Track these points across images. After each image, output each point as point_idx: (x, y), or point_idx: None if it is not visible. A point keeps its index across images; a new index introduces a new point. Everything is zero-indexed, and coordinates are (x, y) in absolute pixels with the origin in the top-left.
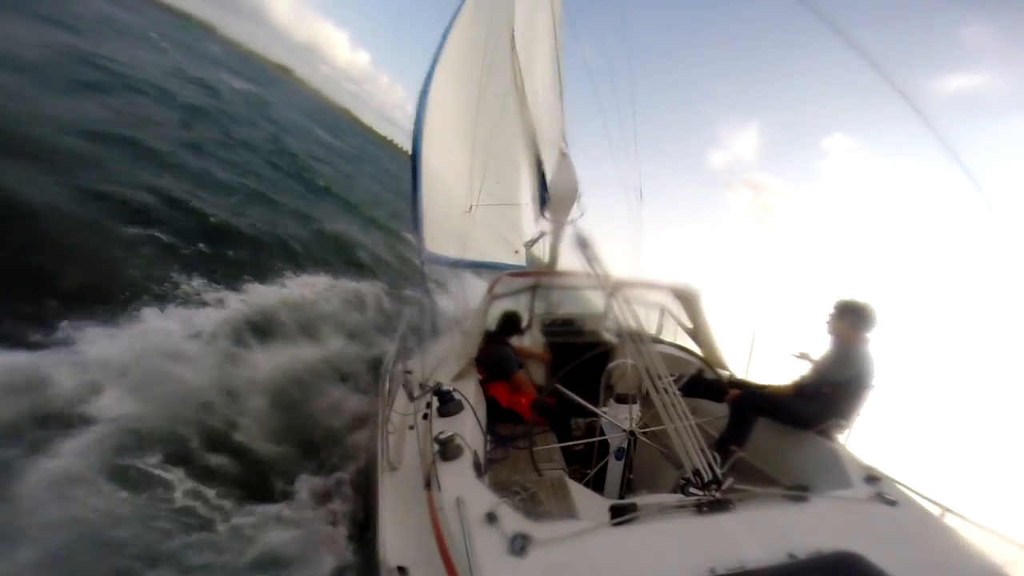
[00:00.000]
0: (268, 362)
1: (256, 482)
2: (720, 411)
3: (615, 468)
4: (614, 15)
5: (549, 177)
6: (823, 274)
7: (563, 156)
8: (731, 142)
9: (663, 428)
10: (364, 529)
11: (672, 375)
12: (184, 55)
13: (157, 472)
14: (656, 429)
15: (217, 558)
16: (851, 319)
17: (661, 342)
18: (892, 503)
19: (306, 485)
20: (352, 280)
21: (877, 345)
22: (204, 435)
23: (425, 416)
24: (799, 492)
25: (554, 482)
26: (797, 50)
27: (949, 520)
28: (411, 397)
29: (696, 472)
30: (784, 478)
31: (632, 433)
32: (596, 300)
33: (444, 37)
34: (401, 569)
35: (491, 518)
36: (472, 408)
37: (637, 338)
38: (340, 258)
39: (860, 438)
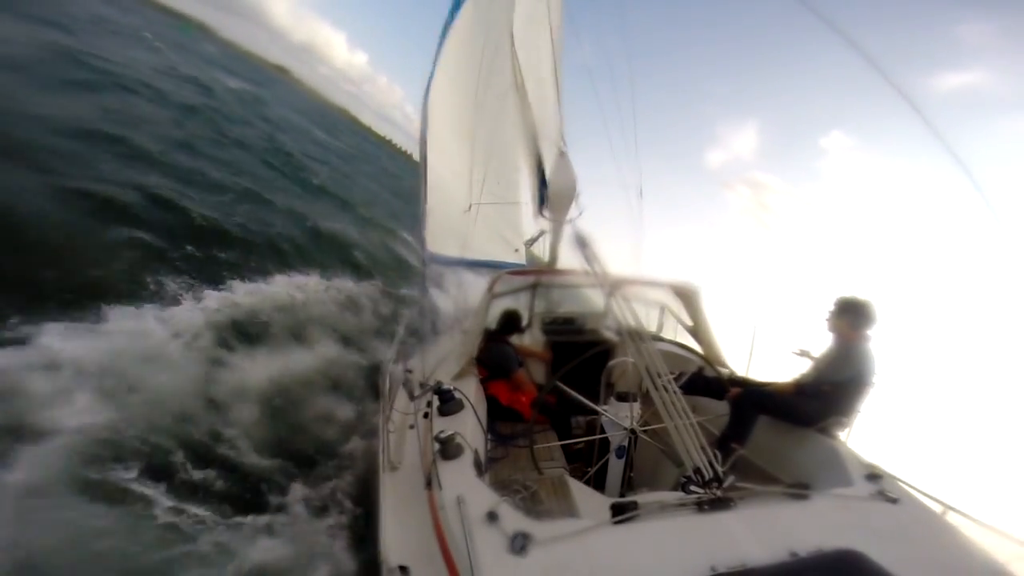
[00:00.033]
0: (255, 368)
1: (244, 495)
2: (721, 409)
3: (616, 466)
4: (614, 15)
5: (548, 176)
6: (823, 272)
7: (561, 155)
8: (730, 141)
9: (664, 426)
10: (364, 529)
11: (673, 373)
12: (179, 55)
13: (135, 486)
14: (657, 427)
15: (205, 573)
16: (851, 317)
17: (661, 340)
18: (893, 501)
19: (298, 497)
20: (346, 281)
21: (877, 343)
22: (186, 445)
23: (426, 415)
24: (800, 490)
25: (555, 481)
26: (795, 49)
27: (950, 518)
28: (411, 396)
29: (697, 470)
30: (785, 476)
31: (633, 431)
32: (596, 298)
33: (443, 37)
34: (402, 568)
35: (492, 517)
36: (472, 407)
37: (636, 336)
38: (334, 258)
39: (861, 436)
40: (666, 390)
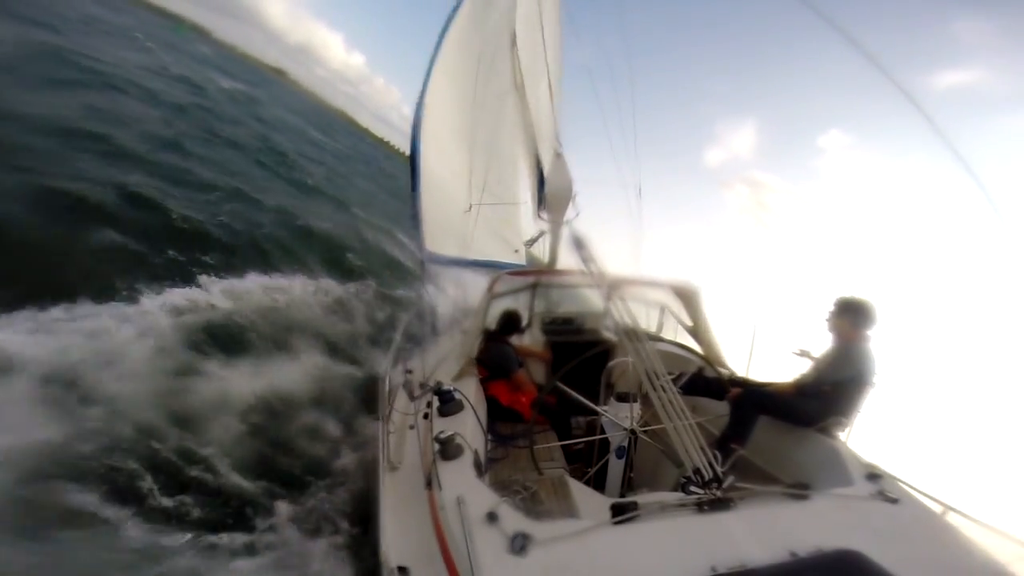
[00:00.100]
0: (233, 378)
1: (225, 520)
2: (721, 409)
3: (616, 467)
4: (614, 15)
5: (546, 177)
6: (823, 272)
7: (558, 156)
8: (728, 140)
9: (664, 426)
10: (364, 529)
11: (672, 373)
12: (171, 55)
13: (97, 510)
14: (657, 428)
15: None
16: (852, 317)
17: (661, 340)
18: (893, 501)
19: (286, 520)
20: (338, 284)
21: (878, 343)
22: (154, 464)
23: (425, 416)
24: (800, 490)
25: (555, 481)
26: (793, 47)
27: (951, 518)
28: (411, 396)
29: (697, 470)
30: (785, 476)
31: (633, 431)
32: (596, 298)
33: (441, 38)
34: (402, 569)
35: (492, 517)
36: (472, 407)
37: (635, 337)
38: (325, 260)
39: (861, 436)
40: (665, 391)
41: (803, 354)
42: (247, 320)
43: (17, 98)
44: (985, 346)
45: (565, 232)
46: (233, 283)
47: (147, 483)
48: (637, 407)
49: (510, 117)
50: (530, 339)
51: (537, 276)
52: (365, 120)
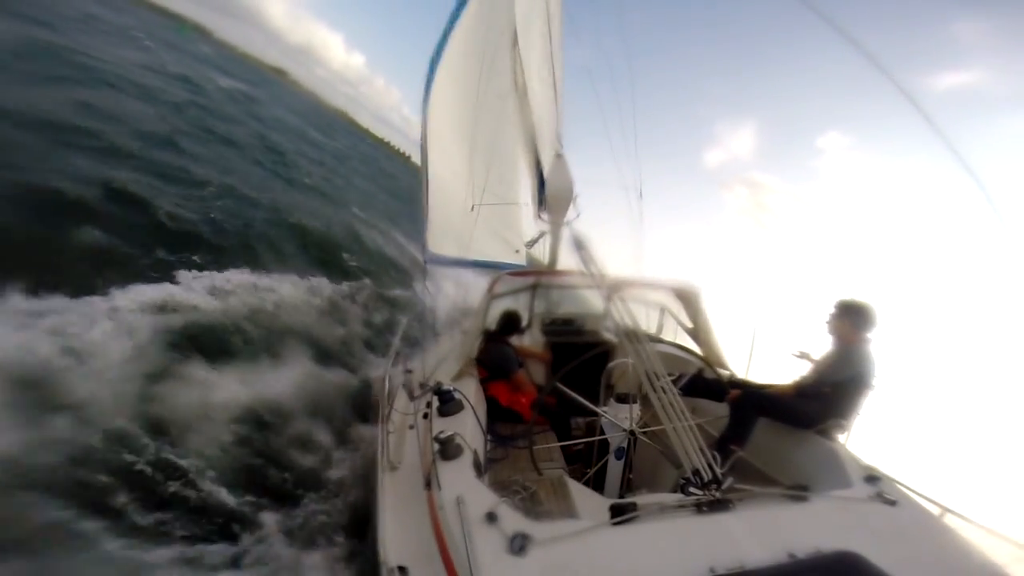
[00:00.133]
0: (219, 384)
1: (210, 536)
2: (720, 411)
3: (615, 467)
4: (613, 15)
5: (546, 178)
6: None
7: (558, 157)
8: (727, 141)
9: (663, 428)
10: (361, 540)
11: (672, 375)
12: (171, 55)
13: (62, 526)
14: (656, 429)
15: None
16: (852, 319)
17: (661, 342)
18: (892, 503)
19: (278, 534)
20: (332, 285)
21: (878, 345)
22: (128, 476)
23: (425, 415)
24: (799, 492)
25: (554, 481)
26: (792, 48)
27: (949, 520)
28: (411, 396)
29: (696, 472)
30: (784, 478)
31: (632, 432)
32: (596, 299)
33: (445, 37)
34: (401, 569)
35: (491, 517)
36: (472, 407)
37: (635, 338)
38: (320, 260)
39: (860, 438)
40: (665, 392)
41: (803, 356)
42: (234, 322)
43: (7, 94)
44: (984, 348)
45: (565, 233)
46: (220, 282)
47: (122, 498)
48: (637, 408)
49: (511, 117)
50: (530, 340)
51: (537, 277)
52: (365, 121)
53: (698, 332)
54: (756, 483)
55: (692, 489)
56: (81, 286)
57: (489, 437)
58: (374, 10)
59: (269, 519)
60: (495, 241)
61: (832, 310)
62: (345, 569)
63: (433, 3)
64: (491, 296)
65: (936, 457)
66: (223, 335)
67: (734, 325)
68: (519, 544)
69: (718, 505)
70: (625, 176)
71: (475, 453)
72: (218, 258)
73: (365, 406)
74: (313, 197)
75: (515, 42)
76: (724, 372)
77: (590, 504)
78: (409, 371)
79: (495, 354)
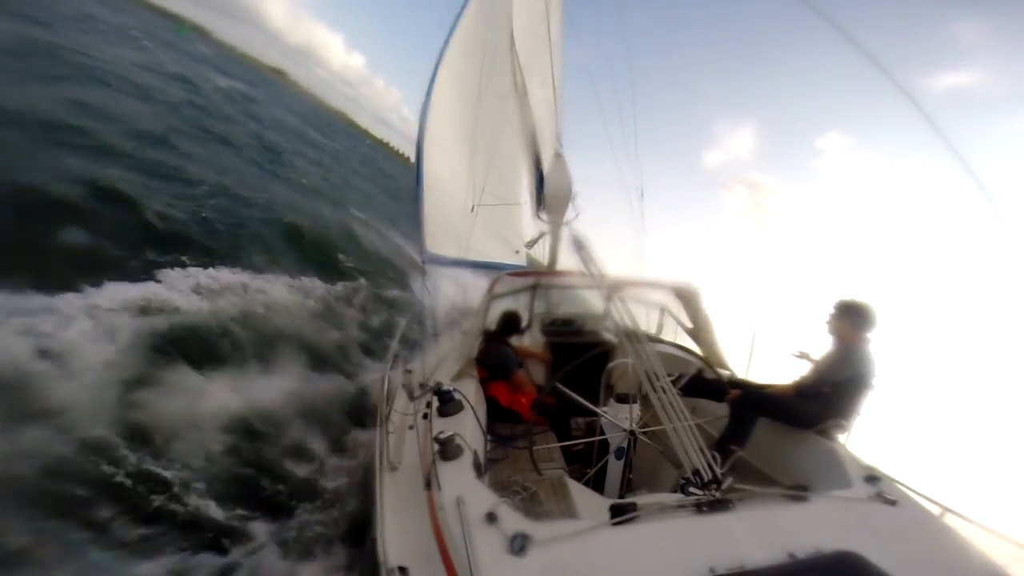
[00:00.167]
0: (207, 390)
1: (197, 548)
2: (720, 411)
3: (615, 468)
4: (614, 15)
5: (545, 177)
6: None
7: (557, 157)
8: (727, 142)
9: (663, 428)
10: (362, 538)
11: (672, 375)
12: (169, 54)
13: (38, 542)
14: (656, 429)
15: None
16: (852, 319)
17: (661, 342)
18: (892, 503)
19: (268, 544)
20: (328, 287)
21: (877, 345)
22: (111, 488)
23: (425, 416)
24: (799, 492)
25: (554, 482)
26: (791, 48)
27: (949, 520)
28: (411, 397)
29: (696, 472)
30: (784, 478)
31: (632, 433)
32: (596, 300)
33: (448, 37)
34: (401, 569)
35: (491, 518)
36: (472, 408)
37: (634, 338)
38: (315, 261)
39: (860, 438)
40: (664, 392)
41: (803, 356)
42: (222, 324)
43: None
44: (984, 347)
45: (565, 233)
46: (208, 282)
47: (102, 512)
48: (637, 408)
49: (511, 117)
50: (530, 340)
51: (537, 277)
52: (365, 121)
53: (698, 332)
54: (756, 483)
55: (692, 489)
56: (58, 284)
57: (489, 437)
58: (374, 11)
59: (261, 531)
60: (495, 241)
61: (832, 310)
62: None
63: (433, 4)
64: (491, 296)
65: (936, 457)
66: (211, 338)
67: (734, 325)
68: (519, 544)
69: (718, 505)
70: (625, 176)
71: (475, 453)
72: (208, 258)
73: (362, 412)
74: (310, 197)
75: (514, 42)
76: (724, 372)
77: (590, 504)
78: (409, 371)
79: (495, 354)
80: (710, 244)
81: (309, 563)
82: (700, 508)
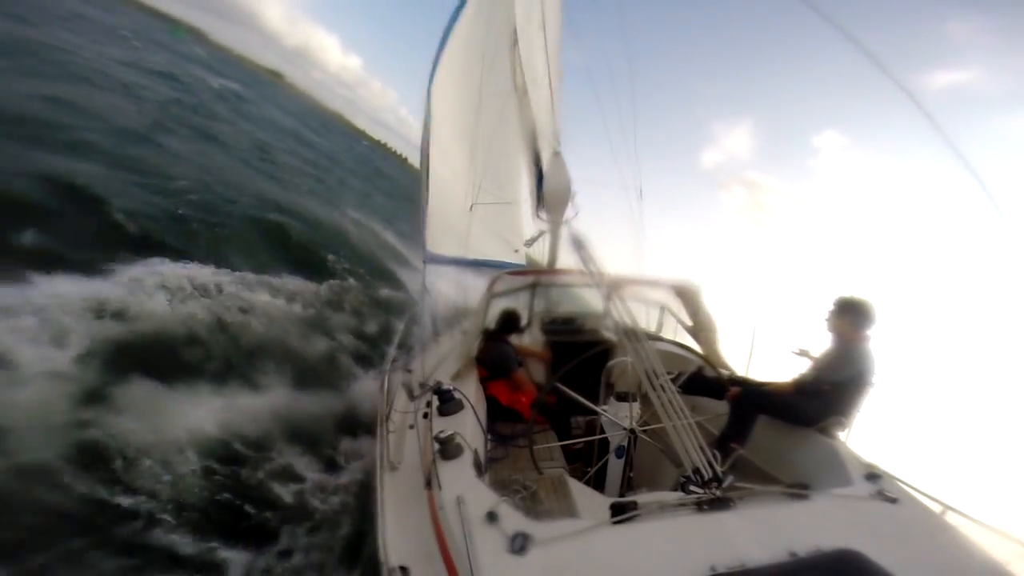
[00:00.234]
0: (176, 404)
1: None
2: (720, 409)
3: (615, 466)
4: (614, 15)
5: (544, 176)
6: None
7: (556, 155)
8: (725, 141)
9: (663, 426)
10: (364, 529)
11: (672, 373)
12: (160, 54)
13: None
14: (656, 427)
15: None
16: (851, 316)
17: (661, 340)
18: (893, 501)
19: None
20: (317, 291)
21: (877, 342)
22: (63, 519)
23: (425, 415)
24: (799, 490)
25: (554, 480)
26: (789, 48)
27: (950, 518)
28: (411, 396)
29: (696, 470)
30: (784, 476)
31: (632, 431)
32: (595, 299)
33: (445, 36)
34: (402, 568)
35: (491, 517)
36: (472, 407)
37: (634, 336)
38: (304, 263)
39: (861, 436)
40: (664, 390)
41: (802, 354)
42: (194, 332)
43: None
44: (984, 344)
45: (564, 232)
46: (179, 284)
47: (49, 549)
48: (636, 407)
49: (510, 116)
50: (530, 339)
51: (537, 276)
52: (362, 123)
53: (698, 330)
54: (756, 481)
55: (692, 487)
56: (8, 282)
57: (489, 436)
58: (371, 12)
59: (239, 562)
60: (494, 241)
61: (831, 308)
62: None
63: (431, 5)
64: (491, 295)
65: (937, 454)
66: (179, 347)
67: (734, 323)
68: (520, 543)
69: (718, 503)
70: (625, 176)
71: (475, 452)
72: (180, 257)
73: (354, 424)
74: (301, 196)
75: (515, 41)
76: (724, 370)
77: (590, 503)
78: (409, 371)
79: (495, 353)
80: (709, 243)
81: None
82: (700, 506)
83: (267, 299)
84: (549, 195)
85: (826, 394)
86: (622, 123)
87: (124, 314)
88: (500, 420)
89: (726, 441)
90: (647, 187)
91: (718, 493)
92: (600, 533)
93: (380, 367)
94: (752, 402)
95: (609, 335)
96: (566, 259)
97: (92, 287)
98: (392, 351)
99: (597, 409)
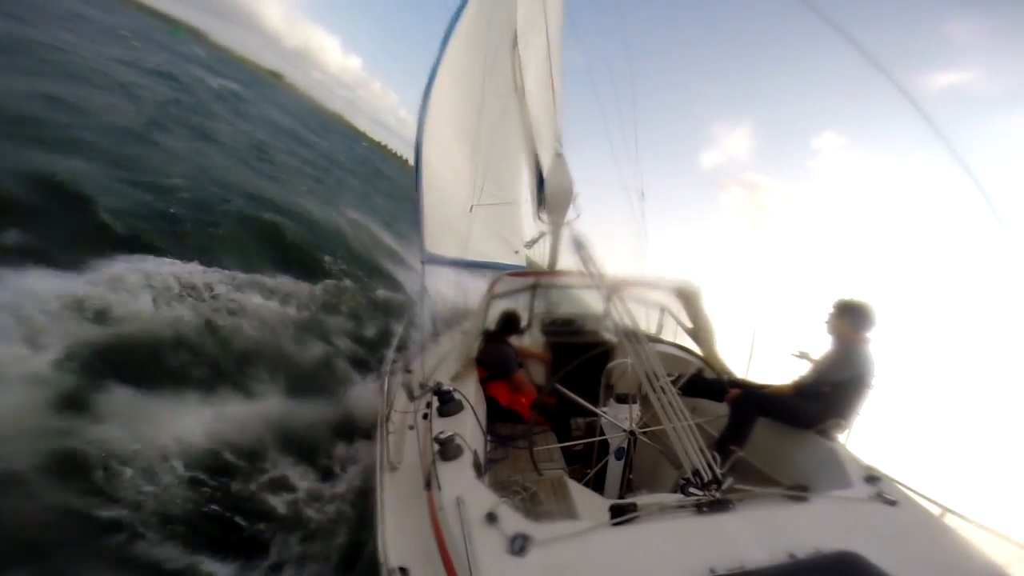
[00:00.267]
0: (160, 412)
1: None
2: (720, 411)
3: (615, 468)
4: (614, 16)
5: (545, 177)
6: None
7: (558, 156)
8: (724, 142)
9: (663, 428)
10: (361, 539)
11: (672, 375)
12: (159, 54)
13: None
14: (656, 429)
15: None
16: (851, 318)
17: (661, 342)
18: (892, 503)
19: None
20: (311, 293)
21: (877, 344)
22: (41, 532)
23: (425, 416)
24: (799, 492)
25: (554, 482)
26: (788, 48)
27: (949, 520)
28: (411, 397)
29: (696, 472)
30: (784, 478)
31: (632, 433)
32: (596, 300)
33: (447, 37)
34: (402, 569)
35: (491, 518)
36: (472, 408)
37: (635, 338)
38: (297, 264)
39: (860, 438)
40: (664, 392)
41: (802, 356)
42: (182, 335)
43: None
44: (983, 346)
45: (565, 233)
46: (167, 284)
47: (41, 562)
48: (636, 408)
49: (511, 117)
50: (530, 340)
51: (537, 277)
52: (362, 124)
53: (698, 332)
54: (756, 483)
55: (692, 489)
56: None
57: (489, 437)
58: (371, 12)
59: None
60: (495, 242)
61: (831, 310)
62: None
63: (431, 5)
64: (491, 296)
65: (936, 457)
66: (166, 351)
67: (734, 325)
68: (519, 545)
69: (718, 505)
70: (626, 177)
71: (475, 453)
72: (170, 256)
73: (351, 430)
74: (298, 196)
75: (515, 42)
76: (724, 372)
77: (590, 504)
78: (409, 371)
79: (495, 354)
80: (709, 244)
81: None
82: (700, 508)
83: (260, 301)
84: (551, 196)
85: (826, 396)
86: (623, 124)
87: (106, 314)
88: (500, 421)
89: (726, 443)
90: (647, 188)
91: (717, 495)
92: (599, 534)
93: (378, 370)
94: (752, 404)
95: (609, 336)
96: (566, 260)
97: (70, 285)
98: (392, 352)
99: (597, 411)
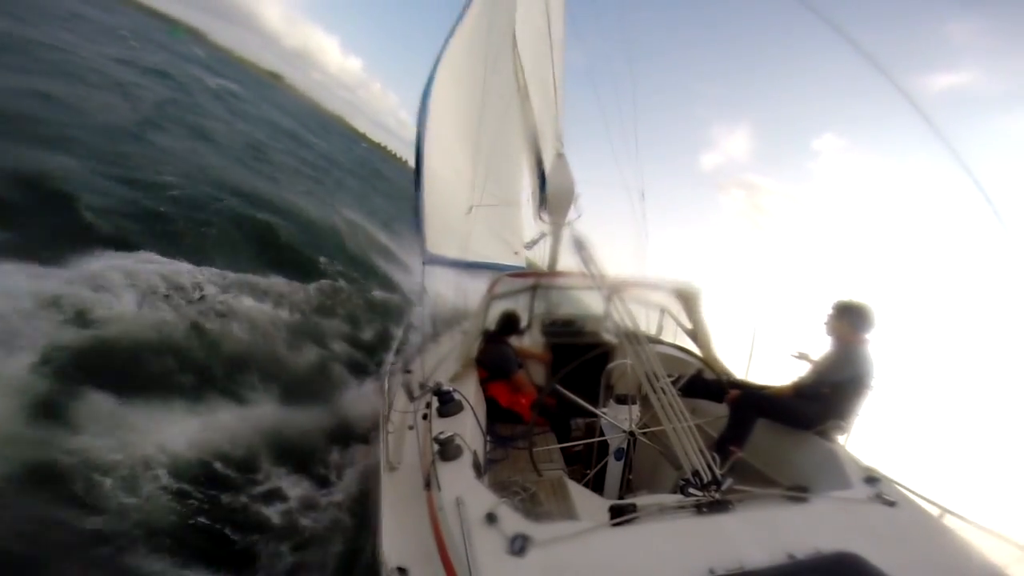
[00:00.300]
0: (145, 420)
1: None
2: (720, 411)
3: (615, 468)
4: (615, 16)
5: (547, 177)
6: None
7: (559, 157)
8: (723, 143)
9: (663, 428)
10: (358, 546)
11: (672, 376)
12: (158, 54)
13: None
14: (656, 429)
15: None
16: (850, 320)
17: (661, 343)
18: (891, 504)
19: None
20: (305, 295)
21: (876, 345)
22: (20, 544)
23: (425, 416)
24: (798, 493)
25: (554, 482)
26: (787, 49)
27: (948, 521)
28: (411, 397)
29: (695, 473)
30: (783, 479)
31: (632, 434)
32: (596, 301)
33: (448, 37)
34: (401, 570)
35: (491, 518)
36: (472, 408)
37: (634, 339)
38: (291, 265)
39: (859, 439)
40: (664, 393)
41: (802, 357)
42: (169, 338)
43: None
44: (983, 347)
45: (566, 234)
46: (153, 284)
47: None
48: (636, 409)
49: (512, 117)
50: (530, 341)
51: (537, 278)
52: (362, 125)
53: (698, 332)
54: (755, 484)
55: (692, 490)
56: None
57: (489, 438)
58: (371, 13)
59: None
60: (495, 242)
61: (830, 311)
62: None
63: (430, 6)
64: (491, 297)
65: (935, 458)
66: (150, 355)
67: (733, 326)
68: (519, 545)
69: (717, 506)
70: (627, 178)
71: (475, 454)
72: (157, 256)
73: (348, 435)
74: (296, 196)
75: (516, 43)
76: (723, 373)
77: (590, 505)
78: (409, 371)
79: (495, 354)
80: (708, 245)
81: None
82: (700, 509)
83: (251, 303)
84: (552, 197)
85: (825, 397)
86: (623, 124)
87: (86, 315)
88: (500, 421)
89: (725, 444)
90: (648, 189)
91: (717, 496)
92: (599, 535)
93: (374, 374)
94: (751, 405)
95: (609, 337)
96: (567, 261)
97: (47, 283)
98: (391, 353)
99: (597, 411)
